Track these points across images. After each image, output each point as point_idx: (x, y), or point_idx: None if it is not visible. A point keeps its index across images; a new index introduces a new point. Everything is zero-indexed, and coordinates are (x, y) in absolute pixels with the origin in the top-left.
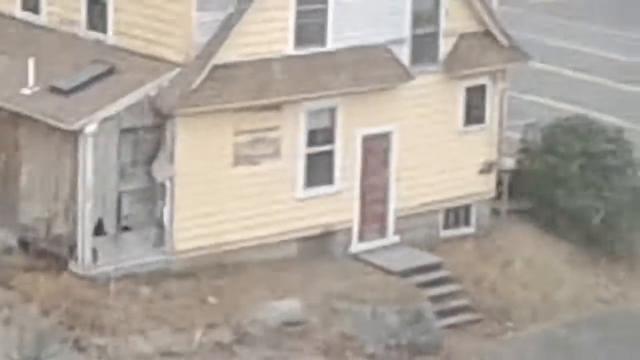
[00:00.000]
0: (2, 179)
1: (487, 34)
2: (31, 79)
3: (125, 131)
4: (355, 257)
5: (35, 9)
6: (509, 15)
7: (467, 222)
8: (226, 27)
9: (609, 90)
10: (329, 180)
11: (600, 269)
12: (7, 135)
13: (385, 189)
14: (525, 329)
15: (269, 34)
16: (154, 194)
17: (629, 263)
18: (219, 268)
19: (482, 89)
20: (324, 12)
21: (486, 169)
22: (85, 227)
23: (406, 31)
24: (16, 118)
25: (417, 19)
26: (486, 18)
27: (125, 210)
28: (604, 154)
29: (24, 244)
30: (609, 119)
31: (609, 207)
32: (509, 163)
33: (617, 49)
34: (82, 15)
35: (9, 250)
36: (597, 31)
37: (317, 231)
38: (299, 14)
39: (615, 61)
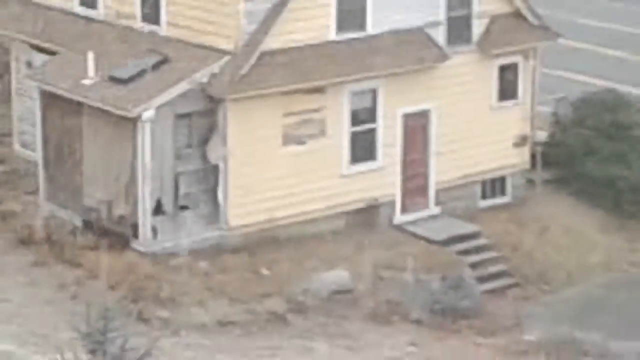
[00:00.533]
0: (66, 164)
1: (518, 14)
2: (91, 70)
3: (180, 116)
4: (399, 228)
5: (92, 4)
6: None
7: (503, 193)
8: (272, 15)
9: (636, 64)
10: (372, 156)
11: (630, 234)
12: (71, 123)
13: (425, 163)
14: (561, 292)
15: (312, 20)
16: (208, 174)
17: None
18: (272, 242)
19: (514, 66)
20: (363, 1)
21: (520, 142)
22: (145, 207)
23: (441, 14)
24: (78, 107)
25: (452, 3)
26: None
27: (182, 190)
28: (632, 125)
29: (88, 225)
30: (636, 92)
31: (638, 175)
32: (542, 136)
33: None
34: (137, 9)
35: (75, 231)
36: (622, 7)
37: (362, 205)
38: (340, 1)
39: None
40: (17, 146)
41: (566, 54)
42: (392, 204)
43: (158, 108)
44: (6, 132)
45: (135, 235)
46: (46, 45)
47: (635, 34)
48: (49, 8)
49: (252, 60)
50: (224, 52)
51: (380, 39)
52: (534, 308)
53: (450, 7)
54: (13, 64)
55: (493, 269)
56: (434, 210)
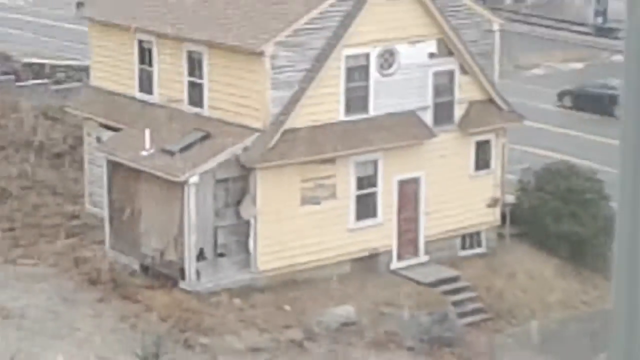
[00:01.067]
0: (127, 220)
1: (491, 101)
2: (148, 144)
3: (219, 181)
4: (395, 272)
5: (149, 91)
6: (508, 86)
7: (479, 244)
8: (293, 101)
9: (585, 141)
10: (373, 214)
11: (583, 279)
12: (131, 186)
13: (416, 220)
14: (526, 325)
15: (326, 105)
16: (241, 228)
17: (604, 273)
18: (292, 283)
19: (487, 142)
20: (366, 88)
21: (492, 203)
22: (191, 255)
23: (429, 100)
24: (137, 174)
25: (438, 91)
26: (489, 89)
27: (220, 241)
28: (582, 190)
29: (145, 268)
30: (585, 163)
31: (588, 231)
32: (510, 198)
33: None
34: (185, 95)
35: (133, 273)
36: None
37: (365, 253)
38: (348, 90)
39: (588, 117)
40: (88, 205)
41: (530, 133)
42: (389, 253)
43: (201, 174)
44: (80, 193)
45: (182, 277)
46: (112, 123)
47: (585, 116)
48: (114, 94)
49: (277, 136)
50: (255, 130)
51: (380, 120)
52: (504, 338)
53: (436, 95)
54: (85, 139)
55: (471, 306)
56: (423, 258)
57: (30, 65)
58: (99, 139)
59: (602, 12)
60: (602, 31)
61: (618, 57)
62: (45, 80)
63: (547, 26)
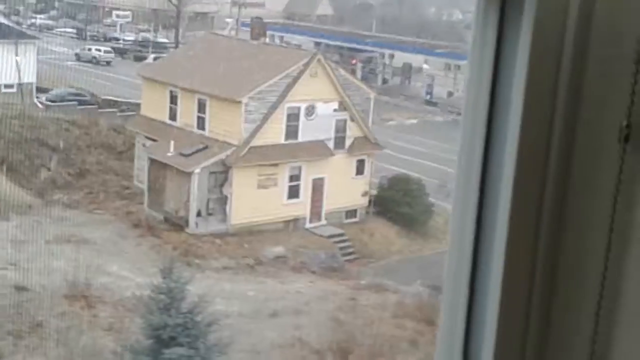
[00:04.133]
0: (158, 191)
1: (366, 137)
2: (172, 149)
3: (211, 173)
4: (308, 230)
5: (174, 119)
6: (376, 130)
7: (355, 216)
8: (255, 130)
9: (418, 163)
10: (298, 196)
11: (411, 239)
12: (161, 173)
13: (321, 201)
14: (382, 262)
15: (274, 133)
16: (223, 199)
17: (424, 237)
18: (250, 232)
19: (363, 160)
20: (297, 126)
21: (364, 194)
22: (193, 213)
23: (332, 135)
24: (165, 166)
25: (337, 130)
26: (366, 130)
27: (210, 206)
28: (412, 189)
29: (166, 220)
30: (415, 175)
31: (415, 212)
32: (374, 192)
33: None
34: (195, 123)
35: (160, 222)
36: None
37: (291, 218)
38: (287, 126)
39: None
40: (135, 182)
41: (387, 157)
42: (305, 218)
43: (202, 168)
44: (131, 175)
45: (187, 225)
46: (152, 136)
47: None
48: (154, 120)
49: (245, 150)
50: (234, 145)
51: (304, 144)
52: (365, 269)
53: (336, 132)
54: (136, 144)
55: (348, 250)
56: (323, 222)
57: (106, 99)
58: (144, 145)
59: (430, 92)
60: (429, 103)
61: (430, 117)
62: (115, 109)
63: (398, 98)
